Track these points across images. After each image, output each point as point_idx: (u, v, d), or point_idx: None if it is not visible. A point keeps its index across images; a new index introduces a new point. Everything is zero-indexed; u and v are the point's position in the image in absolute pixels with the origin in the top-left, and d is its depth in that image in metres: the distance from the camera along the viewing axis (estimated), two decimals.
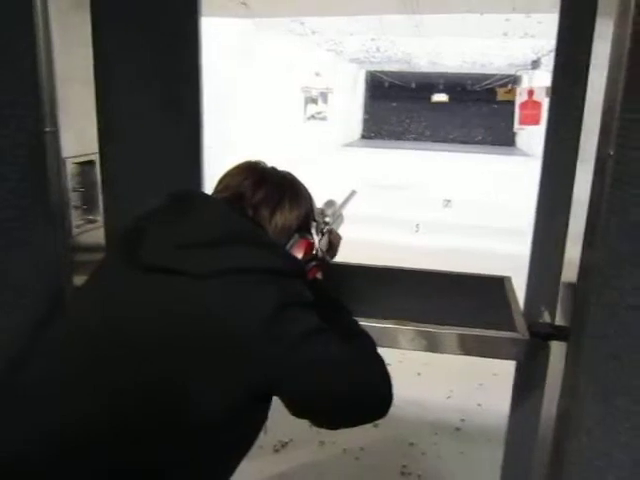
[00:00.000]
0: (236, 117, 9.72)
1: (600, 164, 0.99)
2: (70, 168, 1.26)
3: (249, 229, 1.04)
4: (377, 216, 7.50)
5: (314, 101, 15.72)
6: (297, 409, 0.99)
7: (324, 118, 16.07)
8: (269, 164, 1.20)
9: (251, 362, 0.92)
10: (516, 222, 7.19)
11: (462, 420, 2.84)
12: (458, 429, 2.77)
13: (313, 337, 0.97)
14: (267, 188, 1.11)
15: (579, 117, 1.15)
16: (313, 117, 15.72)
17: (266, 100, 11.69)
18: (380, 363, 1.08)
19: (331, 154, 16.92)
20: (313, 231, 1.19)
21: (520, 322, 1.27)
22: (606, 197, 0.95)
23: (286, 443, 2.56)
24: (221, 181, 1.16)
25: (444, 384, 3.16)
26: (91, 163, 1.33)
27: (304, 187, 1.20)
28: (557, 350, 1.20)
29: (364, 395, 1.02)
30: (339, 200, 1.41)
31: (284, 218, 1.11)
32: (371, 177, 11.32)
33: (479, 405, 2.99)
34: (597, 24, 1.09)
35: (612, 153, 0.93)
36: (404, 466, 2.47)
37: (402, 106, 25.49)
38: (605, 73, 1.01)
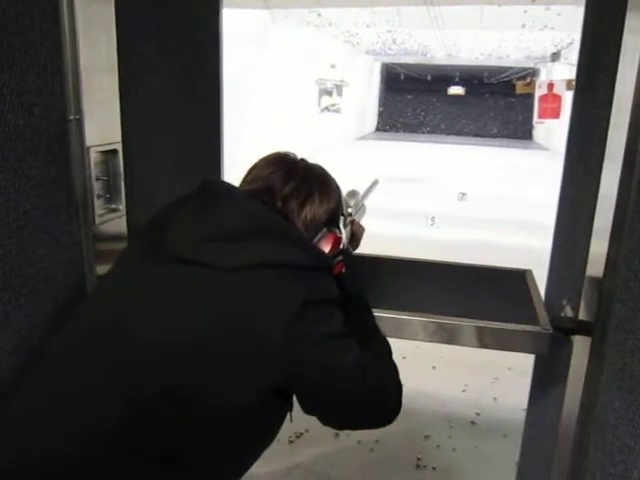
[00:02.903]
0: (250, 108, 9.72)
1: (628, 159, 0.98)
2: (94, 157, 1.26)
3: (278, 222, 1.02)
4: (392, 209, 7.47)
5: (328, 93, 15.66)
6: (307, 407, 1.00)
7: (338, 110, 16.00)
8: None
9: (272, 357, 0.92)
10: (532, 216, 7.15)
11: (477, 414, 2.83)
12: (473, 423, 2.77)
13: (334, 340, 0.97)
14: (296, 181, 1.09)
15: (605, 111, 1.14)
16: (327, 109, 15.66)
17: (281, 91, 11.67)
18: (394, 372, 1.08)
19: (345, 147, 16.87)
20: (341, 225, 1.17)
21: (543, 316, 1.26)
22: (634, 192, 0.93)
23: (301, 434, 2.58)
24: (249, 172, 1.14)
25: (459, 378, 3.15)
26: (114, 152, 1.33)
27: (334, 180, 1.17)
28: (579, 344, 1.19)
29: (374, 403, 1.03)
30: (361, 190, 1.40)
31: (313, 212, 1.09)
32: (386, 170, 11.27)
33: (495, 399, 2.98)
34: (627, 18, 1.07)
35: None
36: (419, 459, 2.47)
37: (418, 99, 25.35)
38: (636, 67, 1.00)
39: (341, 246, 1.16)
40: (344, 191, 1.31)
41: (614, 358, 0.97)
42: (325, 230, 1.12)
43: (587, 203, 1.22)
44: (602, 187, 1.13)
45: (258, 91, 10.29)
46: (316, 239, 1.11)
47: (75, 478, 0.88)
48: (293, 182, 1.09)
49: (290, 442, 2.54)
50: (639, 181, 0.94)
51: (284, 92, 11.93)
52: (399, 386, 1.06)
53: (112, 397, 0.91)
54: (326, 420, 1.03)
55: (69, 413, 0.91)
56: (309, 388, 0.98)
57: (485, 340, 1.22)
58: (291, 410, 1.04)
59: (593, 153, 1.22)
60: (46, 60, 1.12)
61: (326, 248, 1.11)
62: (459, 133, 24.86)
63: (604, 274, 1.07)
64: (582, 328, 1.16)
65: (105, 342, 0.96)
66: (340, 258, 1.18)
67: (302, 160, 1.16)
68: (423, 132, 25.38)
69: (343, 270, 1.22)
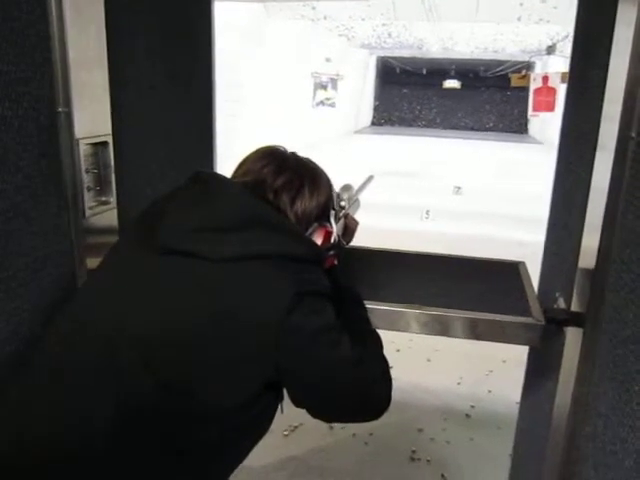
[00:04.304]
0: (245, 103, 9.69)
1: (621, 148, 0.98)
2: (83, 149, 1.25)
3: (270, 214, 1.02)
4: (387, 203, 7.48)
5: (323, 87, 15.62)
6: (297, 399, 1.00)
7: (333, 105, 15.97)
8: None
9: (265, 350, 0.92)
10: (527, 210, 7.16)
11: (472, 407, 2.84)
12: (468, 415, 2.77)
13: (326, 333, 0.97)
14: (288, 174, 1.09)
15: (598, 102, 1.13)
16: (322, 103, 15.62)
17: (276, 85, 11.64)
18: (384, 366, 1.08)
19: (341, 142, 16.86)
20: (332, 219, 1.17)
21: (536, 308, 1.26)
22: (627, 180, 0.93)
23: (296, 427, 2.58)
24: (240, 166, 1.13)
25: (454, 370, 3.16)
26: (104, 144, 1.32)
27: (325, 174, 1.17)
28: (572, 336, 1.19)
29: (364, 396, 1.03)
30: (356, 185, 1.39)
31: (304, 205, 1.09)
32: (381, 164, 11.27)
33: (489, 392, 2.98)
34: (619, 10, 1.07)
35: (634, 136, 0.91)
36: (413, 451, 2.47)
37: (413, 92, 25.33)
38: (628, 57, 1.00)
39: (332, 240, 1.15)
40: (338, 185, 1.31)
41: (606, 349, 0.97)
42: (316, 225, 1.12)
43: (580, 195, 1.22)
44: (594, 179, 1.13)
45: (253, 85, 10.25)
46: (308, 233, 1.10)
47: (74, 470, 0.89)
48: (284, 176, 1.08)
49: (285, 435, 2.54)
50: (631, 169, 0.93)
51: (279, 85, 11.89)
52: (389, 380, 1.06)
53: (110, 390, 0.90)
54: (316, 413, 1.03)
55: (68, 406, 0.91)
56: (299, 381, 0.97)
57: (478, 332, 1.22)
58: (282, 401, 1.04)
59: (586, 145, 1.21)
60: (34, 51, 1.11)
61: (317, 242, 1.11)
62: (455, 127, 24.85)
63: (596, 265, 1.07)
64: (575, 319, 1.16)
65: (102, 336, 0.95)
66: (332, 252, 1.17)
67: (292, 154, 1.16)
68: (419, 126, 25.37)
69: (335, 263, 1.22)
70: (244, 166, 1.12)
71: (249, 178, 1.08)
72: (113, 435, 0.89)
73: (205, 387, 0.91)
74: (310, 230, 1.11)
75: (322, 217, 1.14)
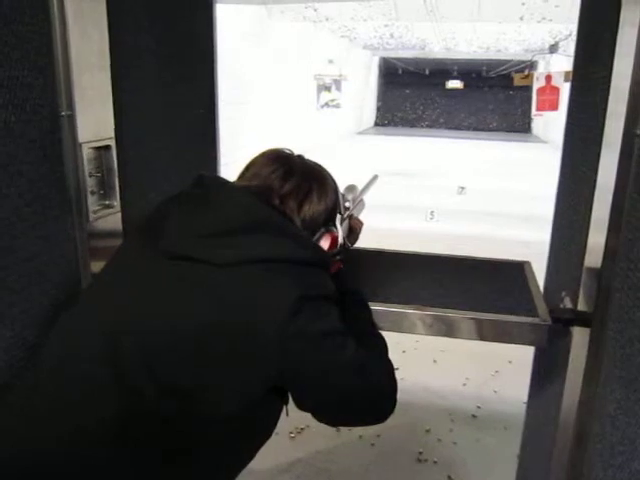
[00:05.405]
0: (248, 104, 9.69)
1: (627, 145, 0.97)
2: (86, 153, 1.25)
3: (275, 218, 1.01)
4: (391, 203, 7.47)
5: (327, 89, 15.62)
6: (301, 403, 0.99)
7: (338, 106, 15.97)
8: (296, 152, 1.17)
9: (268, 354, 0.92)
10: (532, 209, 7.15)
11: (478, 407, 2.83)
12: (474, 416, 2.76)
13: (330, 337, 0.96)
14: (295, 180, 1.08)
15: (602, 100, 1.13)
16: (327, 105, 15.63)
17: (279, 87, 11.64)
18: (389, 369, 1.07)
19: (344, 143, 16.86)
20: (338, 224, 1.16)
21: (542, 307, 1.25)
22: (633, 178, 0.93)
23: (302, 429, 2.57)
24: (247, 169, 1.12)
25: (460, 371, 3.15)
26: (107, 148, 1.33)
27: (332, 179, 1.17)
28: (579, 336, 1.18)
29: (368, 400, 1.02)
30: (360, 185, 1.39)
31: (312, 210, 1.08)
32: (385, 165, 11.26)
33: (495, 392, 2.97)
34: (623, 9, 1.07)
35: (639, 132, 0.91)
36: (420, 453, 2.47)
37: (416, 93, 25.30)
38: (632, 54, 0.99)
39: (338, 245, 1.15)
40: (343, 186, 1.30)
41: (613, 348, 0.96)
42: (323, 230, 1.11)
43: (585, 194, 1.21)
44: (599, 177, 1.13)
45: (254, 87, 10.25)
46: (315, 238, 1.10)
47: (75, 473, 0.88)
48: (292, 181, 1.08)
49: (291, 437, 2.53)
50: (636, 169, 0.93)
51: (283, 88, 11.89)
52: (394, 384, 1.06)
53: (112, 393, 0.91)
54: (320, 416, 1.02)
55: (70, 409, 0.91)
56: (303, 384, 0.97)
57: (484, 332, 1.21)
58: (287, 404, 1.03)
59: (591, 144, 1.21)
60: (36, 55, 1.11)
61: (324, 247, 1.10)
62: (458, 127, 24.83)
63: (602, 264, 1.06)
64: (581, 319, 1.16)
65: (105, 340, 0.95)
66: (338, 257, 1.17)
67: (299, 157, 1.15)
68: (422, 126, 25.35)
69: (341, 267, 1.21)
70: (251, 170, 1.12)
71: (255, 182, 1.08)
72: (115, 439, 0.89)
73: (207, 390, 0.91)
74: (317, 235, 1.11)
75: (329, 222, 1.14)
